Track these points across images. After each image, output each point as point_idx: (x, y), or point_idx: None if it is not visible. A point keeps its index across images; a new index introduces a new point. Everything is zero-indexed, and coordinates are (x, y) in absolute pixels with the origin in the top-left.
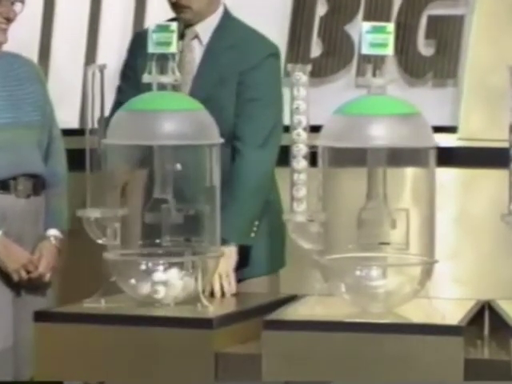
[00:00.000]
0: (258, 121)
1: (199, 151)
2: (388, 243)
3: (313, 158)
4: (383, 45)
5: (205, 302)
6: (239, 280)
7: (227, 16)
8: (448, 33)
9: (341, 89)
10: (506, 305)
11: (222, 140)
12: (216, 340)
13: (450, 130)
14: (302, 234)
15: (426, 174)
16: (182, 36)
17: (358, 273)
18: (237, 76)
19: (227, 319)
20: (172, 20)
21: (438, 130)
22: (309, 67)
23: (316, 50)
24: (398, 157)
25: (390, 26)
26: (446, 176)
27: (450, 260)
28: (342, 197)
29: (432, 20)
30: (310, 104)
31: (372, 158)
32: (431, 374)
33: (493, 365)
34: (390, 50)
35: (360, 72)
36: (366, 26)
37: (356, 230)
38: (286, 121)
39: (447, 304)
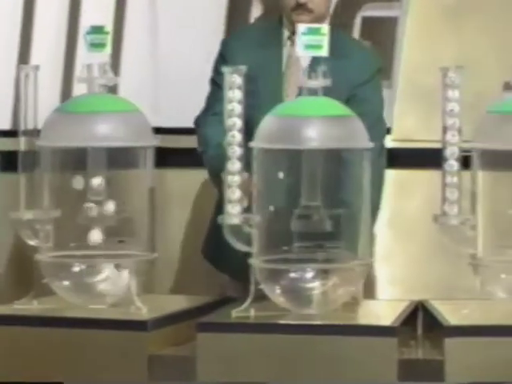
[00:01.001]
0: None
1: None
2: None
3: None
4: (318, 46)
5: (139, 304)
6: None
7: (332, 24)
8: (382, 34)
9: None
10: (439, 305)
11: None
12: (150, 342)
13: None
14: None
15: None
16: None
17: (292, 275)
18: (348, 88)
19: (162, 321)
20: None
21: None
22: (244, 69)
23: None
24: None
25: (325, 28)
26: None
27: (384, 261)
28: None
29: (366, 21)
30: None
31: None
32: (365, 374)
33: (426, 365)
34: (324, 52)
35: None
36: (302, 27)
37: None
38: None
39: (381, 305)
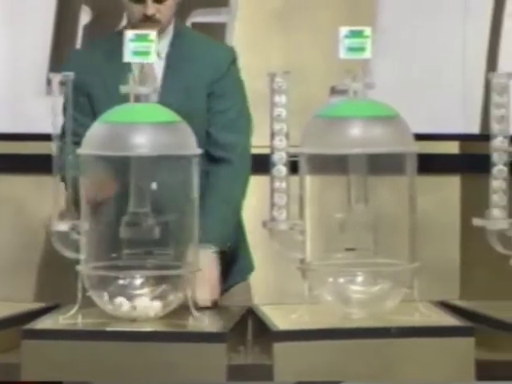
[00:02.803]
0: (238, 128)
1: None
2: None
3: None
4: (147, 53)
5: None
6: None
7: (178, 25)
8: None
9: None
10: (268, 310)
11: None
12: None
13: None
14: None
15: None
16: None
17: (121, 282)
18: (205, 87)
19: None
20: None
21: None
22: (72, 75)
23: None
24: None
25: (153, 35)
26: None
27: None
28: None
29: (196, 27)
30: None
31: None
32: (196, 381)
33: (255, 369)
34: (154, 58)
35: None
36: (129, 34)
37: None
38: None
39: (211, 311)
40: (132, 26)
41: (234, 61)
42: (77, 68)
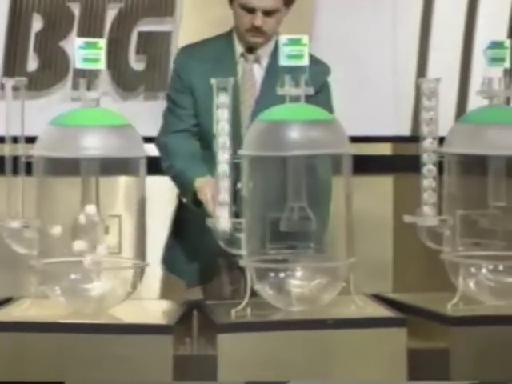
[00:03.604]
0: None
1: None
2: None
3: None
4: (95, 60)
5: None
6: None
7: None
8: (157, 48)
9: (57, 101)
10: (213, 304)
11: None
12: None
13: None
14: (17, 239)
15: (136, 183)
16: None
17: (72, 276)
18: None
19: None
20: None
21: (148, 140)
22: (24, 80)
23: (32, 64)
24: (111, 166)
25: (102, 42)
26: (158, 183)
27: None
28: (57, 204)
29: (142, 36)
30: (25, 116)
31: (85, 167)
32: (143, 372)
33: (200, 360)
34: (102, 65)
35: (75, 86)
36: (79, 41)
37: (70, 235)
38: None
39: (158, 305)
40: (239, 33)
41: (328, 76)
42: (184, 65)
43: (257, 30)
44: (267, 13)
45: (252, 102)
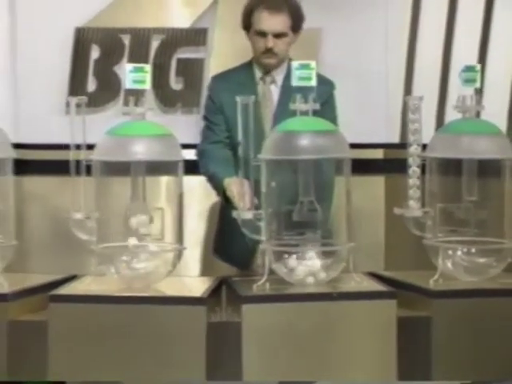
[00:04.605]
0: None
1: None
2: (148, 234)
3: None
4: (142, 81)
5: (2, 281)
6: None
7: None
8: (192, 72)
9: (111, 116)
10: (238, 280)
11: None
12: (10, 310)
13: (195, 146)
14: (80, 228)
15: (175, 181)
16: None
17: (124, 258)
18: None
19: (20, 294)
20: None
21: (186, 146)
22: (85, 99)
23: (91, 86)
24: (155, 168)
25: (147, 67)
26: (193, 182)
27: (197, 247)
28: (111, 199)
29: (180, 62)
30: (86, 127)
31: (134, 169)
32: (183, 336)
33: (228, 326)
34: (147, 85)
35: (125, 103)
36: (129, 66)
37: (123, 224)
38: None
39: (194, 281)
40: (255, 58)
41: (333, 90)
42: (215, 91)
43: (269, 51)
44: (277, 36)
45: (271, 116)
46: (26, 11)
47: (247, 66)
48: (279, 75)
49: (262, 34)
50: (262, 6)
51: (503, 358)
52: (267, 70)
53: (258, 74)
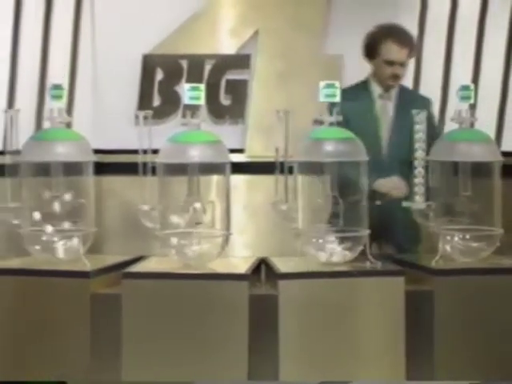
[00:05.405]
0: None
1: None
2: (201, 223)
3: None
4: (198, 98)
5: (85, 261)
6: None
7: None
8: (238, 90)
9: (172, 126)
10: (275, 260)
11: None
12: (92, 285)
13: (240, 151)
14: (146, 217)
15: (224, 179)
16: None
17: (182, 242)
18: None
19: (99, 271)
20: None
21: (233, 151)
22: (151, 112)
23: (156, 101)
24: (207, 168)
25: (202, 86)
26: (238, 180)
27: (241, 233)
28: (172, 194)
29: (229, 82)
30: (152, 136)
31: (191, 169)
32: (229, 306)
33: (266, 298)
34: (202, 101)
35: (184, 115)
36: (187, 86)
37: (181, 215)
38: None
39: (239, 261)
40: (380, 79)
41: (431, 107)
42: (342, 102)
43: (396, 77)
44: (402, 64)
45: (386, 132)
46: (104, 40)
47: (363, 85)
48: (395, 93)
49: (390, 63)
50: (391, 40)
51: (494, 325)
52: (388, 89)
53: (376, 90)
